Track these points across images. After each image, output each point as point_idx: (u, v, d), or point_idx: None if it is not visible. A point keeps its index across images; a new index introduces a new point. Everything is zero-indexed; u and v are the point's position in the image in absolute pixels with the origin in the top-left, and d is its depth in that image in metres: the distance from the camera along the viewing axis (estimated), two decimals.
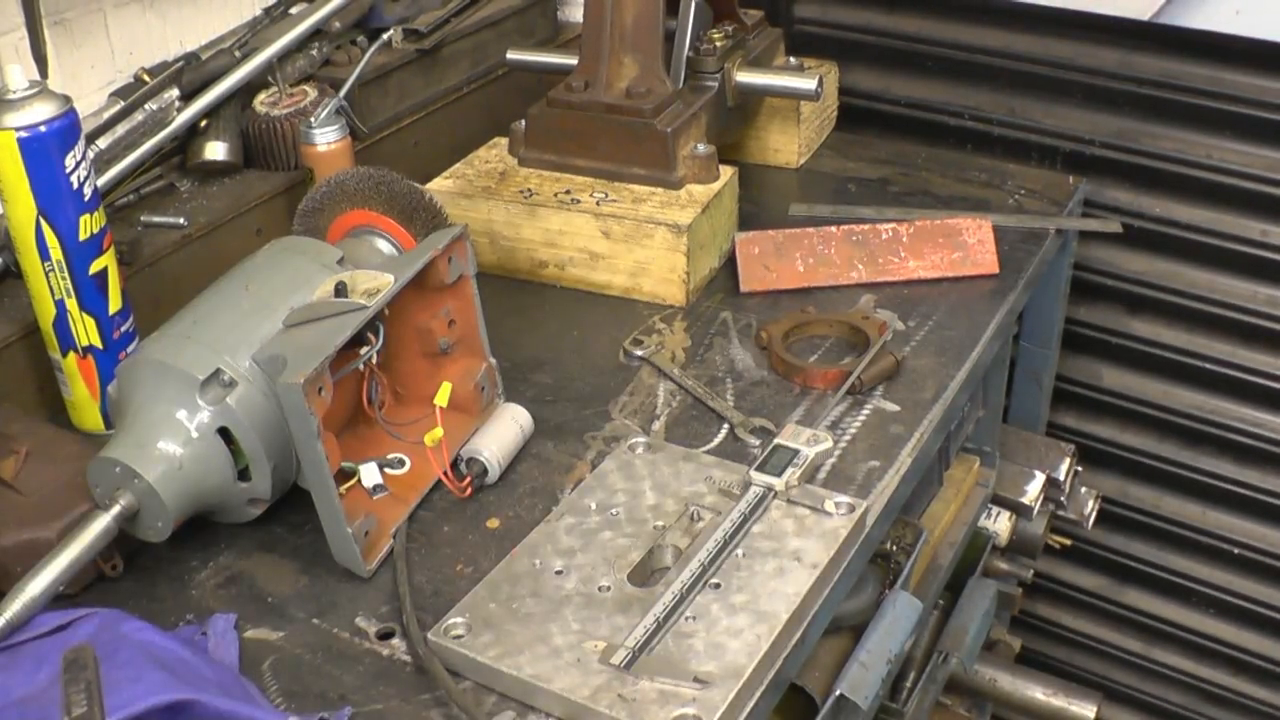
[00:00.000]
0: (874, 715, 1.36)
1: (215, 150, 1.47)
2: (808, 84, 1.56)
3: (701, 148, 1.49)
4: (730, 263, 1.50)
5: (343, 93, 1.50)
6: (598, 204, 1.45)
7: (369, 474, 1.13)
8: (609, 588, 1.00)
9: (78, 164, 1.12)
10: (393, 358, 1.18)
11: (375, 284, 1.08)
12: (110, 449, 1.03)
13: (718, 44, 1.57)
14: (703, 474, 1.12)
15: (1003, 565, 1.91)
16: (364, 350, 1.09)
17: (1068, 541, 2.03)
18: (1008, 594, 1.93)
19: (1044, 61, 1.77)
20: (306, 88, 1.54)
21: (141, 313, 1.25)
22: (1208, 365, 1.83)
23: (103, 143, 1.37)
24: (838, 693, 1.22)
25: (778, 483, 1.08)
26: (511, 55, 1.70)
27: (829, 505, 1.07)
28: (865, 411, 1.26)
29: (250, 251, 1.19)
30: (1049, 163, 1.80)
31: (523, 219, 1.47)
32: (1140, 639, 2.13)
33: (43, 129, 1.09)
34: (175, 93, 1.44)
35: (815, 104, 1.70)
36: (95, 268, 1.17)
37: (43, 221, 1.12)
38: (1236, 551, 1.93)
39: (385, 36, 1.67)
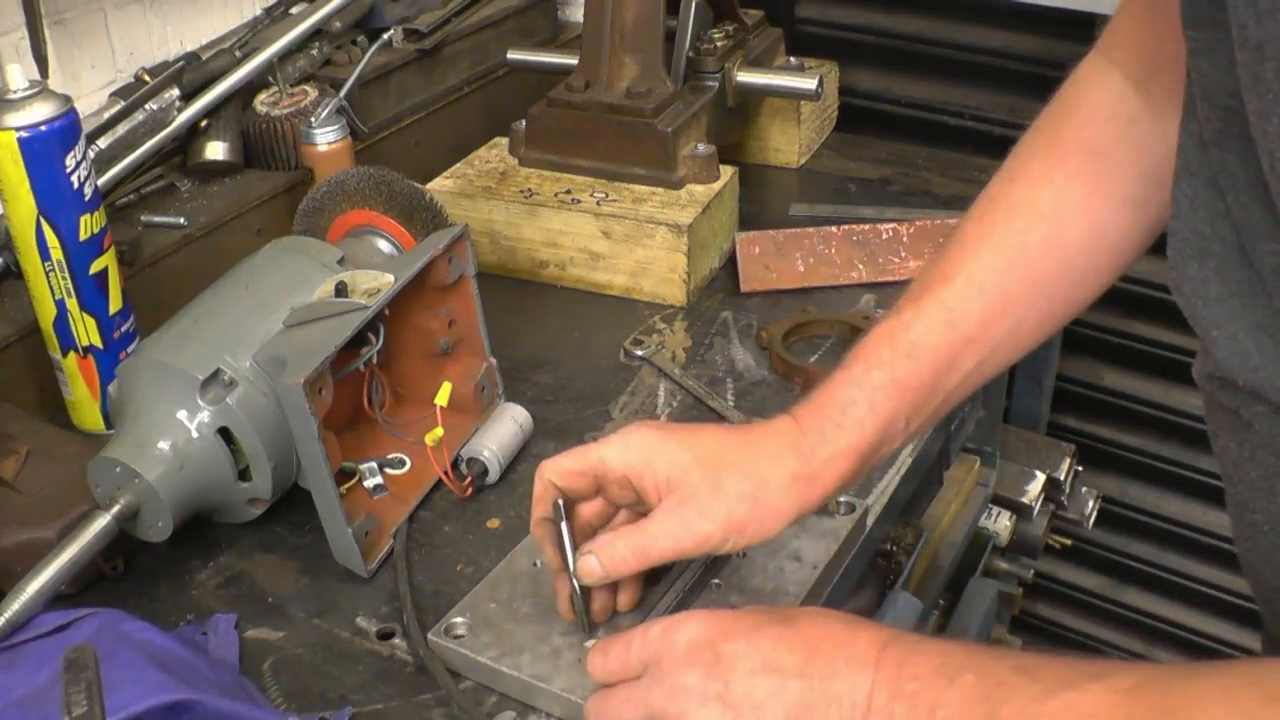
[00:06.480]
0: None
1: (215, 150, 1.47)
2: (808, 84, 1.56)
3: (702, 148, 1.49)
4: (731, 262, 1.50)
5: (343, 93, 1.50)
6: (598, 204, 1.45)
7: (369, 474, 1.13)
8: None
9: (78, 164, 1.12)
10: (393, 358, 1.18)
11: (376, 284, 1.08)
12: (110, 449, 1.03)
13: (718, 44, 1.57)
14: None
15: (1003, 565, 1.91)
16: (364, 350, 1.09)
17: (1068, 541, 2.04)
18: (1008, 594, 1.92)
19: (1044, 61, 1.77)
20: (307, 88, 1.54)
21: (142, 313, 1.25)
22: None
23: (103, 143, 1.37)
24: None
25: None
26: (512, 55, 1.70)
27: (829, 505, 1.07)
28: None
29: (250, 251, 1.19)
30: None
31: (523, 219, 1.47)
32: (1140, 639, 2.13)
33: (43, 129, 1.09)
34: (175, 93, 1.44)
35: (815, 104, 1.70)
36: (96, 268, 1.17)
37: (43, 221, 1.12)
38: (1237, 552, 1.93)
39: (385, 36, 1.67)
